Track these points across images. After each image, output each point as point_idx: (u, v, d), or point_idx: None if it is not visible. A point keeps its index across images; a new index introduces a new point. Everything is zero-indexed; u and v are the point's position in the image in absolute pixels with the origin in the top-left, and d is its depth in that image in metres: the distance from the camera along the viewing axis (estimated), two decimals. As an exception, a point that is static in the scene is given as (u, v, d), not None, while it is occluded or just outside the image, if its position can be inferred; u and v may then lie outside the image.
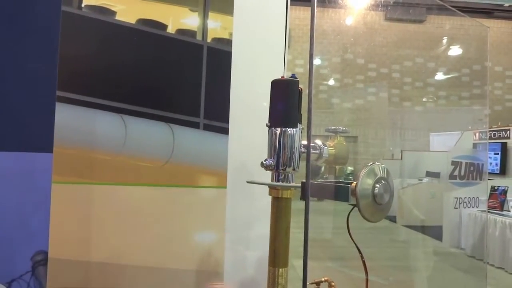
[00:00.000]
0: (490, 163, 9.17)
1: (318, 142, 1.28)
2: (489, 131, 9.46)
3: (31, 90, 1.62)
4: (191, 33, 1.69)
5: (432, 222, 6.62)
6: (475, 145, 7.78)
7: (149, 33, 1.65)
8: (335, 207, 6.01)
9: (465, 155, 5.55)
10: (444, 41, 12.79)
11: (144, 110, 1.61)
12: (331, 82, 12.68)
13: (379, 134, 11.77)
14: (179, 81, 1.68)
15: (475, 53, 11.62)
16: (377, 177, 1.06)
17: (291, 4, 1.81)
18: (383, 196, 1.06)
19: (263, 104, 1.22)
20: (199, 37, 1.69)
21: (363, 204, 1.03)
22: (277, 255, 1.13)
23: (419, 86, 12.66)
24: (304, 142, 1.12)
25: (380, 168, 1.08)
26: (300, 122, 1.14)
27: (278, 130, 1.11)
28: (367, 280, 1.22)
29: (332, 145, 1.38)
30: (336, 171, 1.45)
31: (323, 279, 1.27)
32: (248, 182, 1.22)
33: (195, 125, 1.66)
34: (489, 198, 5.76)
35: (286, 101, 1.12)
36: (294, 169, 1.13)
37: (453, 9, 2.86)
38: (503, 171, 9.07)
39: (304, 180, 1.05)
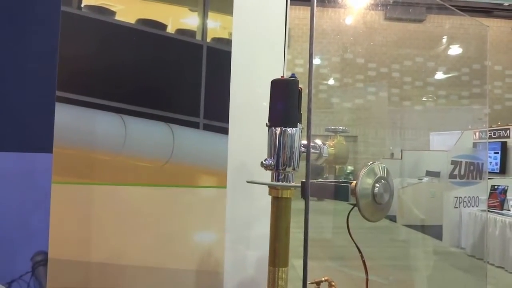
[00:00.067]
0: (490, 162, 9.17)
1: (318, 141, 1.28)
2: (489, 130, 9.46)
3: (31, 90, 1.62)
4: (191, 33, 1.69)
5: (432, 221, 6.62)
6: (475, 145, 7.78)
7: (148, 33, 1.65)
8: (335, 207, 6.01)
9: (465, 154, 5.55)
10: (444, 40, 12.79)
11: (144, 110, 1.61)
12: (331, 81, 12.68)
13: (379, 133, 11.76)
14: (178, 81, 1.68)
15: (474, 52, 11.62)
16: (377, 176, 1.06)
17: (290, 4, 1.81)
18: (383, 196, 1.06)
19: (263, 104, 1.22)
20: (198, 37, 1.69)
21: (363, 203, 1.03)
22: (277, 255, 1.13)
23: (419, 85, 12.66)
24: (304, 141, 1.12)
25: (380, 168, 1.08)
26: (300, 122, 1.13)
27: (278, 129, 1.11)
28: (367, 279, 1.22)
29: (332, 144, 1.38)
30: (336, 171, 1.45)
31: (323, 279, 1.27)
32: (248, 182, 1.21)
33: (195, 125, 1.66)
34: (489, 198, 5.76)
35: (286, 101, 1.12)
36: (294, 169, 1.13)
37: (452, 8, 2.86)
38: (503, 170, 9.07)
39: (304, 180, 1.05)
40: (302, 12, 11.37)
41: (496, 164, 9.19)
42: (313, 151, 1.23)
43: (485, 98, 9.59)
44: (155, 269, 1.62)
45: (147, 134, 1.62)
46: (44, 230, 1.53)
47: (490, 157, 9.18)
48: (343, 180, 1.17)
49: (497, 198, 5.72)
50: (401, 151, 8.84)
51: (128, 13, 1.63)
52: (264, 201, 1.24)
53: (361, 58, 12.59)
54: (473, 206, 5.63)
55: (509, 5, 12.42)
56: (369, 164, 1.07)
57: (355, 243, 1.19)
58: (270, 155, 1.13)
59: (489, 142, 9.24)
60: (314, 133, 1.07)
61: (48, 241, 1.53)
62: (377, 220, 1.07)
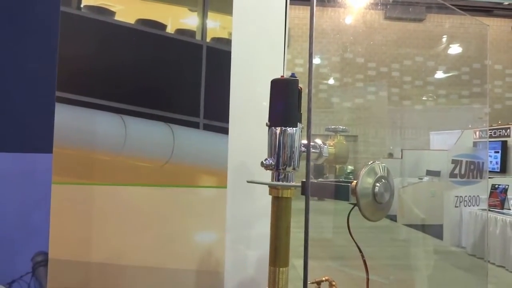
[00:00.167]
0: (490, 162, 9.16)
1: (318, 141, 1.28)
2: (489, 129, 9.45)
3: (31, 90, 1.62)
4: (191, 33, 1.69)
5: (432, 220, 6.62)
6: (475, 144, 7.78)
7: (148, 33, 1.65)
8: (335, 207, 6.01)
9: (466, 153, 5.54)
10: (444, 39, 12.78)
11: (143, 110, 1.61)
12: (331, 81, 12.67)
13: (379, 133, 11.76)
14: (178, 81, 1.68)
15: (474, 51, 11.62)
16: (377, 176, 1.06)
17: (290, 4, 1.80)
18: (384, 195, 1.06)
19: (263, 103, 1.22)
20: (198, 37, 1.69)
21: (363, 203, 1.03)
22: (278, 255, 1.13)
23: (419, 85, 12.65)
24: (304, 141, 1.12)
25: (380, 167, 1.08)
26: (300, 122, 1.13)
27: (278, 129, 1.11)
28: (367, 279, 1.21)
29: (332, 144, 1.38)
30: (336, 170, 1.44)
31: (323, 279, 1.27)
32: (248, 181, 1.21)
33: (195, 125, 1.66)
34: (489, 197, 5.76)
35: (286, 101, 1.12)
36: (294, 169, 1.12)
37: (452, 7, 2.86)
38: (503, 170, 9.07)
39: (304, 179, 1.05)
40: (302, 12, 11.36)
41: (497, 163, 9.19)
42: (313, 150, 1.23)
43: (485, 97, 9.59)
44: (155, 269, 1.62)
45: (147, 134, 1.62)
46: (44, 231, 1.53)
47: (490, 156, 9.18)
48: (344, 179, 1.17)
49: (497, 197, 5.72)
50: (401, 150, 8.84)
51: (128, 13, 1.63)
52: (264, 201, 1.24)
53: (361, 58, 12.59)
54: (473, 205, 5.63)
55: (509, 4, 12.41)
56: (369, 163, 1.07)
57: (355, 243, 1.18)
58: (270, 154, 1.13)
59: (489, 141, 9.24)
60: (314, 132, 1.07)
61: (48, 242, 1.53)
62: (378, 219, 1.07)
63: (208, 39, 1.69)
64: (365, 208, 1.03)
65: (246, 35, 1.73)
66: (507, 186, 5.72)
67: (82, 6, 1.60)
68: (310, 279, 1.12)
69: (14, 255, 1.59)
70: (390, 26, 12.59)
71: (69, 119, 1.55)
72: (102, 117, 1.58)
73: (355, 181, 1.04)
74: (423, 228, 6.87)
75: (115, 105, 1.59)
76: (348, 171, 6.76)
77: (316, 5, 1.03)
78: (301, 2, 10.08)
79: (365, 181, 1.04)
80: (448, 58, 12.84)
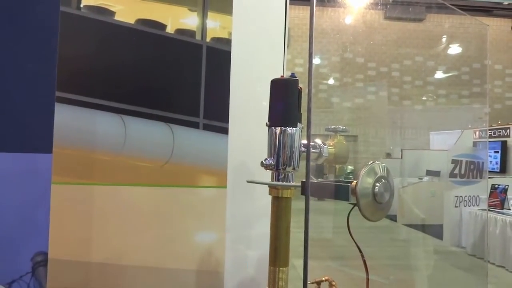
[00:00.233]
0: (490, 162, 9.17)
1: (318, 141, 1.28)
2: (489, 129, 9.45)
3: (30, 90, 1.62)
4: (190, 33, 1.69)
5: (432, 220, 6.62)
6: (475, 144, 7.78)
7: (148, 33, 1.65)
8: (335, 207, 6.01)
9: (465, 153, 5.55)
10: (444, 39, 12.78)
11: (143, 110, 1.61)
12: (331, 81, 12.67)
13: (379, 133, 11.76)
14: (178, 81, 1.68)
15: (474, 51, 11.62)
16: (377, 176, 1.06)
17: (290, 3, 1.80)
18: (384, 195, 1.06)
19: (263, 103, 1.22)
20: (198, 36, 1.69)
21: (363, 203, 1.03)
22: (278, 255, 1.13)
23: (419, 84, 12.65)
24: (304, 141, 1.12)
25: (380, 167, 1.08)
26: (300, 121, 1.13)
27: (278, 129, 1.11)
28: (367, 279, 1.21)
29: (332, 144, 1.38)
30: (336, 170, 1.44)
31: (323, 279, 1.26)
32: (248, 181, 1.21)
33: (194, 125, 1.66)
34: (489, 197, 5.76)
35: (285, 101, 1.12)
36: (294, 169, 1.12)
37: (452, 7, 2.86)
38: (503, 170, 9.07)
39: (304, 179, 1.05)
40: (302, 12, 11.36)
41: (496, 163, 9.19)
42: (313, 150, 1.23)
43: (485, 97, 9.60)
44: (155, 269, 1.62)
45: (147, 134, 1.62)
46: (44, 231, 1.53)
47: (490, 156, 9.18)
48: (344, 179, 1.17)
49: (497, 197, 5.72)
50: (401, 150, 8.84)
51: (128, 13, 1.63)
52: (264, 200, 1.24)
53: (360, 58, 12.59)
54: (473, 205, 5.63)
55: (508, 4, 12.41)
56: (369, 163, 1.07)
57: (355, 243, 1.18)
58: (270, 154, 1.13)
59: (489, 141, 9.24)
60: (314, 132, 1.07)
61: (48, 242, 1.53)
62: (378, 219, 1.07)
63: (208, 39, 1.69)
64: (365, 208, 1.03)
65: (246, 35, 1.73)
66: (507, 186, 5.72)
67: (82, 6, 1.60)
68: (310, 279, 1.12)
69: (14, 255, 1.59)
70: (390, 26, 12.59)
71: (69, 119, 1.55)
72: (102, 117, 1.58)
73: (355, 181, 1.04)
74: (423, 228, 6.87)
75: (115, 105, 1.59)
76: (348, 171, 6.76)
77: (316, 5, 1.03)
78: (301, 2, 10.07)
79: (365, 181, 1.04)
80: (448, 58, 12.84)
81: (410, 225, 7.16)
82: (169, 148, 1.63)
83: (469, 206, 5.64)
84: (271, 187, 1.14)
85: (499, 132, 9.39)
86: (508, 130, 9.16)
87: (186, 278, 1.64)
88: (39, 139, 1.58)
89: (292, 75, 1.13)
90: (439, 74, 13.11)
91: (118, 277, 1.60)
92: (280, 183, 1.12)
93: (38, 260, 1.58)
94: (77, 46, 1.60)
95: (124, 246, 1.61)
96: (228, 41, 1.70)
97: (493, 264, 5.27)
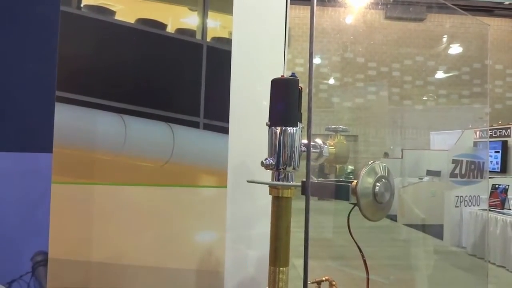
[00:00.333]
0: (491, 162, 9.16)
1: (319, 141, 1.28)
2: (490, 129, 9.45)
3: (31, 90, 1.62)
4: (191, 33, 1.69)
5: (433, 220, 6.62)
6: (475, 144, 7.78)
7: (148, 33, 1.65)
8: (335, 206, 6.01)
9: (466, 153, 5.54)
10: (445, 39, 12.77)
11: (144, 110, 1.61)
12: (331, 81, 12.67)
13: (380, 133, 11.76)
14: (178, 80, 1.68)
15: (475, 51, 11.61)
16: (378, 175, 1.06)
17: (290, 3, 1.80)
18: (384, 195, 1.06)
19: (263, 103, 1.22)
20: (198, 36, 1.69)
21: (363, 203, 1.03)
22: (278, 255, 1.12)
23: (420, 84, 12.65)
24: (304, 141, 1.12)
25: (381, 167, 1.08)
26: (300, 121, 1.13)
27: (278, 129, 1.11)
28: (368, 279, 1.21)
29: (332, 144, 1.38)
30: (337, 170, 1.44)
31: (324, 279, 1.26)
32: (248, 181, 1.21)
33: (195, 125, 1.66)
34: (490, 197, 5.76)
35: (286, 100, 1.12)
36: (294, 168, 1.12)
37: (453, 7, 2.85)
38: (503, 170, 9.06)
39: (304, 179, 1.05)
40: (302, 12, 11.36)
41: (497, 163, 9.18)
42: (313, 150, 1.23)
43: (486, 97, 9.59)
44: (155, 268, 1.62)
45: (147, 134, 1.62)
46: (44, 230, 1.53)
47: (490, 156, 9.17)
48: (344, 179, 1.17)
49: (498, 197, 5.72)
50: (402, 150, 8.84)
51: (128, 12, 1.63)
52: (264, 200, 1.24)
53: (361, 57, 12.58)
54: (474, 205, 5.63)
55: (509, 4, 12.40)
56: (369, 163, 1.07)
57: (355, 243, 1.18)
58: (270, 154, 1.13)
59: (489, 141, 9.23)
60: (315, 132, 1.06)
61: (48, 241, 1.53)
62: (378, 219, 1.06)
63: (208, 39, 1.69)
64: (366, 208, 1.03)
65: (247, 35, 1.73)
66: (507, 186, 5.72)
67: (82, 5, 1.60)
68: (310, 279, 1.12)
69: (14, 255, 1.59)
70: (391, 26, 12.58)
71: (69, 119, 1.55)
72: (102, 117, 1.58)
73: (355, 181, 1.04)
74: (423, 228, 6.87)
75: (115, 104, 1.59)
76: (348, 171, 6.76)
77: (317, 5, 1.03)
78: (302, 1, 10.07)
79: (365, 181, 1.04)
80: (449, 58, 12.83)
81: (410, 225, 7.16)
82: (169, 147, 1.63)
83: (469, 206, 5.64)
84: (272, 186, 1.14)
85: (500, 132, 9.39)
86: (508, 130, 9.15)
87: (186, 278, 1.64)
88: (39, 138, 1.58)
89: (293, 74, 1.13)
90: (440, 74, 13.11)
91: (118, 277, 1.60)
92: (280, 183, 1.12)
93: (38, 260, 1.58)
94: (77, 45, 1.60)
95: (124, 245, 1.61)
96: (228, 41, 1.70)
97: (494, 264, 5.27)
